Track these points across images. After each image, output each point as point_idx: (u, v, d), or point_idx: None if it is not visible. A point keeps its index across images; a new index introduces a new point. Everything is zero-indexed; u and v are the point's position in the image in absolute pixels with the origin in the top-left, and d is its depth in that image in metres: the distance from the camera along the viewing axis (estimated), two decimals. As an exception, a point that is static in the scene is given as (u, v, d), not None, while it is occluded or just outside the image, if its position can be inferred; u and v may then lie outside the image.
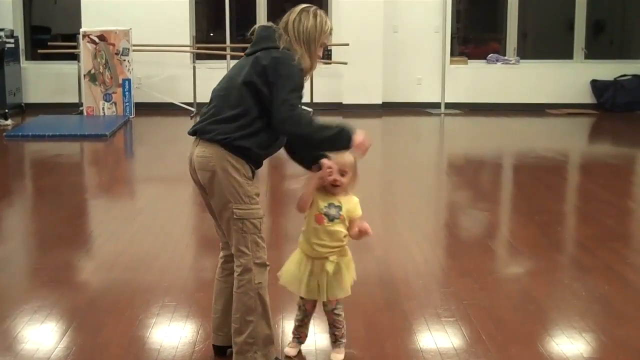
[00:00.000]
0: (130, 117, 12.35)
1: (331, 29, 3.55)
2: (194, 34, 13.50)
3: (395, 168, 9.02)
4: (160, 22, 13.11)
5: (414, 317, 4.29)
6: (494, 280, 5.04)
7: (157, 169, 8.89)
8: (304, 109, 3.50)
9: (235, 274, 3.48)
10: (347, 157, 3.50)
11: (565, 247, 6.00)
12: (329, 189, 3.53)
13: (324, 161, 3.51)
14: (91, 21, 12.91)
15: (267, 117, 3.37)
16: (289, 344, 3.84)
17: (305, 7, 3.54)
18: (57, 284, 4.88)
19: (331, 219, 3.52)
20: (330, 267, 3.54)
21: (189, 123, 11.78)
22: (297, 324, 3.79)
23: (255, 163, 3.48)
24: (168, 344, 3.93)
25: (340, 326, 3.72)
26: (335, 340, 3.76)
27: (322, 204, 3.53)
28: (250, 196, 3.43)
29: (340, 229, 3.55)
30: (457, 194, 7.87)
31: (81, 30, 12.50)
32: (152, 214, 6.74)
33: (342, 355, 3.74)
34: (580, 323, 4.21)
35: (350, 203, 3.57)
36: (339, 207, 3.54)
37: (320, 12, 3.55)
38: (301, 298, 3.71)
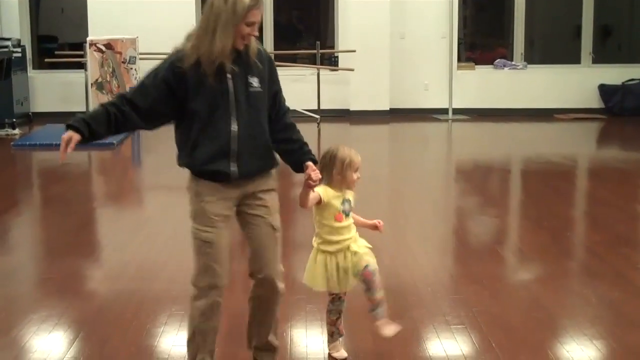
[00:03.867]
0: (138, 125, 12.32)
1: (247, 6, 3.24)
2: (201, 42, 13.48)
3: (403, 174, 9.00)
4: (167, 30, 12.97)
5: (423, 325, 4.26)
6: (503, 287, 5.01)
7: (165, 177, 8.87)
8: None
9: None
10: (358, 156, 3.67)
11: (575, 253, 5.97)
12: (352, 185, 3.68)
13: (309, 164, 3.48)
14: (98, 30, 12.93)
15: (181, 123, 3.43)
16: (333, 346, 3.87)
17: None
18: (64, 294, 4.87)
19: (347, 214, 3.69)
20: (355, 247, 3.69)
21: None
22: (334, 318, 3.82)
23: (194, 169, 3.45)
24: (176, 353, 3.92)
25: (377, 287, 3.67)
26: (373, 307, 3.70)
27: (338, 203, 3.65)
28: (194, 214, 3.48)
29: (352, 220, 3.73)
30: (466, 200, 7.84)
31: (88, 39, 12.52)
32: (159, 223, 6.73)
33: (392, 327, 3.73)
34: (591, 330, 4.18)
35: (352, 194, 3.74)
36: (349, 201, 3.69)
37: None
38: (332, 294, 3.79)
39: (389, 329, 3.70)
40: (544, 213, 6.94)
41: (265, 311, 3.60)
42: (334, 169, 3.62)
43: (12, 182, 8.76)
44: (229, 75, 3.33)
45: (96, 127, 3.26)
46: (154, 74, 3.36)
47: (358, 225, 3.79)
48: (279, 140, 3.54)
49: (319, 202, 3.61)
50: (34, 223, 7.07)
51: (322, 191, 3.61)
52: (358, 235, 3.76)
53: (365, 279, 3.66)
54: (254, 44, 3.39)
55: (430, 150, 11.26)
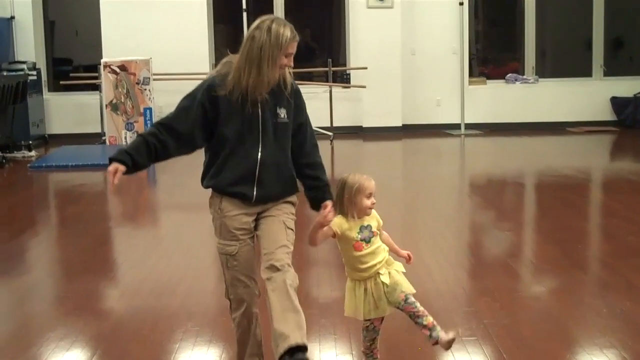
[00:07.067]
0: (152, 145, 12.38)
1: (289, 38, 3.40)
2: (214, 62, 13.62)
3: (416, 189, 9.04)
4: (180, 50, 13.23)
5: (435, 337, 4.30)
6: (515, 299, 5.04)
7: (179, 196, 8.96)
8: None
9: None
10: (371, 181, 3.61)
11: (586, 265, 6.00)
12: (366, 212, 3.61)
13: (328, 203, 3.58)
14: (112, 52, 13.05)
15: (210, 147, 3.59)
16: None
17: (258, 24, 3.44)
18: (81, 312, 4.94)
19: (368, 241, 3.63)
20: (385, 278, 3.62)
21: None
22: (368, 343, 3.80)
23: (218, 190, 3.56)
24: (191, 369, 3.98)
25: (423, 314, 3.59)
26: (429, 332, 3.59)
27: (355, 233, 3.62)
28: (218, 230, 3.54)
29: (377, 243, 3.65)
30: (479, 214, 7.87)
31: (102, 60, 12.65)
32: (174, 241, 6.80)
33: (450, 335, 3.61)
34: (602, 340, 4.21)
35: (374, 218, 3.68)
36: (369, 227, 3.64)
37: (275, 23, 3.42)
38: (366, 320, 3.72)
39: (448, 343, 3.60)
40: (556, 225, 6.97)
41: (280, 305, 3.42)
42: (345, 196, 3.59)
43: (29, 203, 8.86)
44: (260, 105, 3.45)
45: (138, 158, 3.47)
46: (191, 97, 3.49)
47: (391, 250, 3.75)
48: (306, 176, 3.67)
49: (334, 235, 3.62)
50: (51, 242, 7.15)
51: (336, 223, 3.60)
52: (391, 258, 3.72)
53: (409, 313, 3.62)
54: (288, 75, 3.53)
55: (443, 165, 11.29)
